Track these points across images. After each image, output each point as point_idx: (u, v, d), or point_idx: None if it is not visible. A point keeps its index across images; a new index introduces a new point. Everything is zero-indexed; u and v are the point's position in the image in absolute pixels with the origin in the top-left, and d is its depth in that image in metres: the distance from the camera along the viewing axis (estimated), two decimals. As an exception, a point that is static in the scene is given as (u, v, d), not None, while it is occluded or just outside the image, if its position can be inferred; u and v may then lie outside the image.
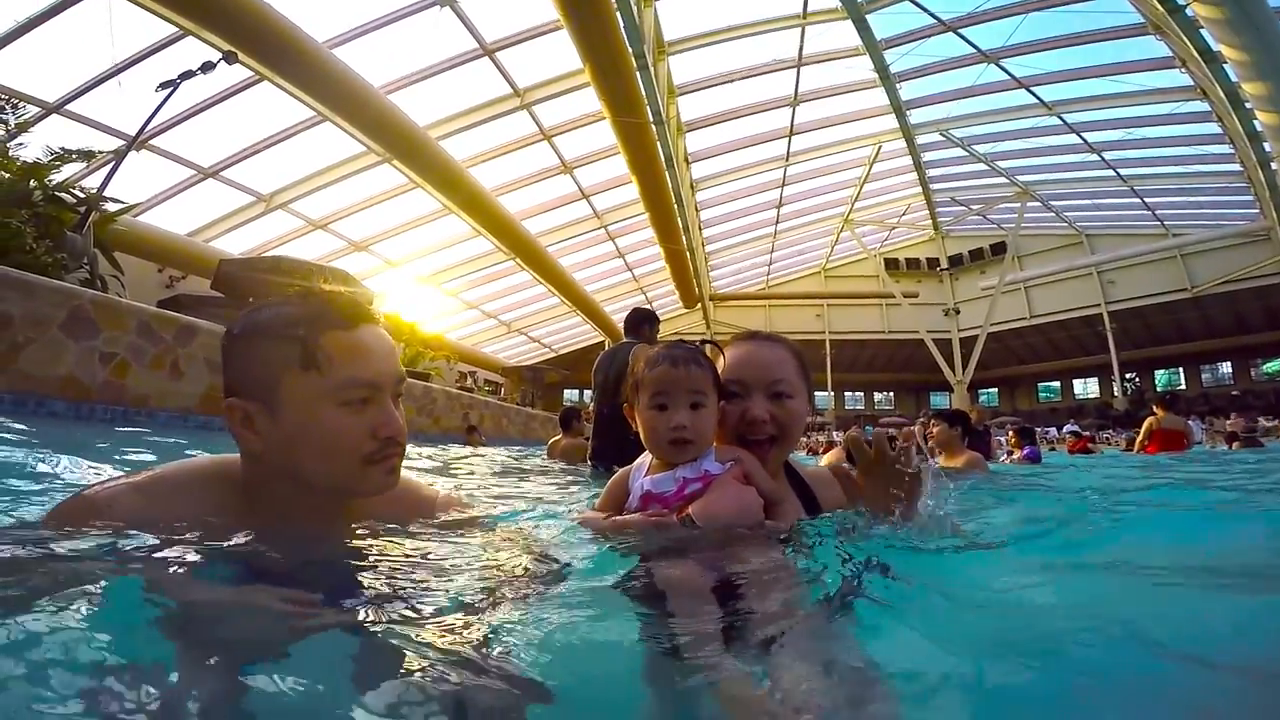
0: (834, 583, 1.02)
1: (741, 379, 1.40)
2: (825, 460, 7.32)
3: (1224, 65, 12.65)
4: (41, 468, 2.02)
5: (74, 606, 0.76)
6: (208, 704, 0.65)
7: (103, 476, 1.69)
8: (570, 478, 4.10)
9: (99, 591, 0.80)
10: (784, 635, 0.83)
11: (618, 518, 1.31)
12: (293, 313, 1.07)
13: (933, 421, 5.32)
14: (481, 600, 0.96)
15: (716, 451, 1.32)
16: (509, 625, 0.88)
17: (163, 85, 7.47)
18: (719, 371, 1.38)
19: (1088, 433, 20.22)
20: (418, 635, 0.81)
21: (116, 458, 2.64)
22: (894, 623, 0.92)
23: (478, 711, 0.68)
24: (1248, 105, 13.72)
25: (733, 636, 0.86)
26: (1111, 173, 21.43)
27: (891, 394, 41.98)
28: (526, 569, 1.12)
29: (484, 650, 0.79)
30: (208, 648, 0.74)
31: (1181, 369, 33.29)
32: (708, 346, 1.40)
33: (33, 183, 6.61)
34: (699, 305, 26.19)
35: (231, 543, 1.03)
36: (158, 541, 0.99)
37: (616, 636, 0.91)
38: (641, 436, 1.34)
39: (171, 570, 0.91)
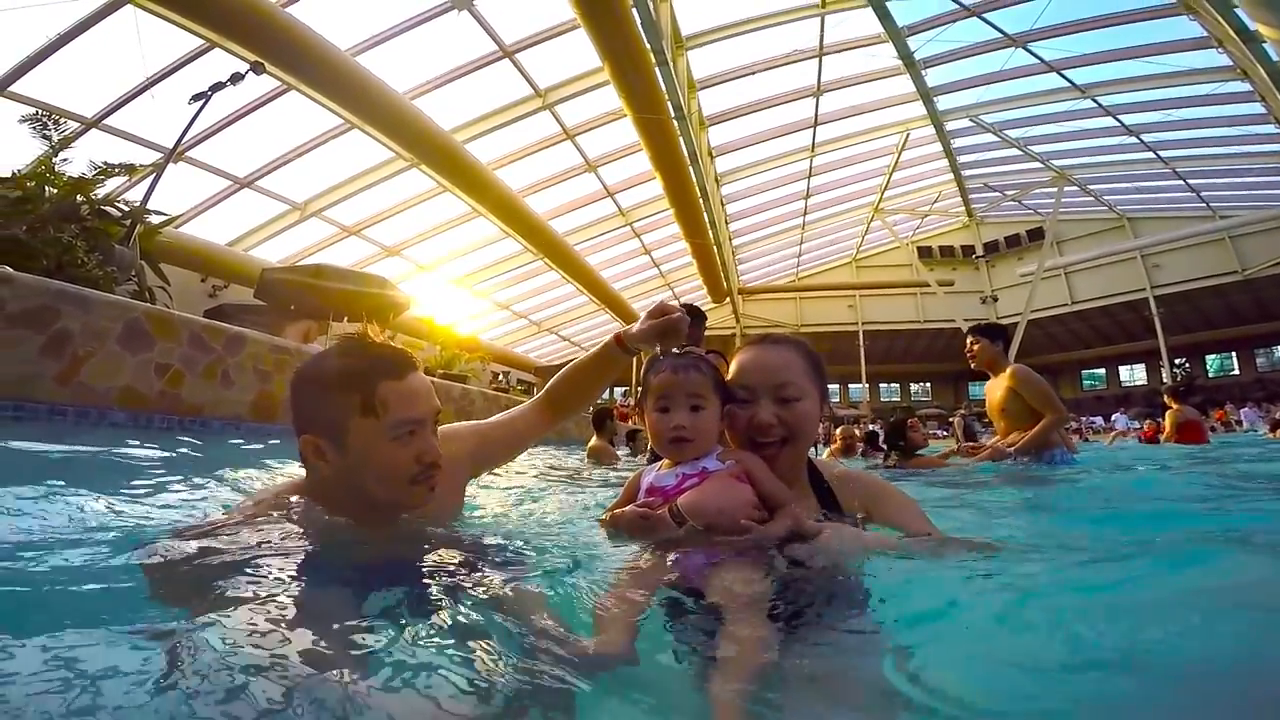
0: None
1: (748, 384, 1.45)
2: (826, 455, 7.20)
3: (1264, 45, 11.97)
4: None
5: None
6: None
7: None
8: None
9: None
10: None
11: (614, 512, 1.40)
12: (354, 366, 1.31)
13: (970, 340, 4.72)
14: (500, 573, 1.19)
15: (724, 453, 1.40)
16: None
17: (195, 97, 7.77)
18: (725, 377, 1.47)
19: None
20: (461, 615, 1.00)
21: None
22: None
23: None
24: (1292, 87, 13.07)
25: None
26: (1152, 155, 20.63)
27: (928, 384, 41.07)
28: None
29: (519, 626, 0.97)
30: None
31: (1234, 353, 31.91)
32: (712, 355, 1.51)
33: (79, 197, 6.90)
34: (727, 299, 26.09)
35: (322, 539, 1.27)
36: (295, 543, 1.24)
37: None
38: (649, 437, 1.45)
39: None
